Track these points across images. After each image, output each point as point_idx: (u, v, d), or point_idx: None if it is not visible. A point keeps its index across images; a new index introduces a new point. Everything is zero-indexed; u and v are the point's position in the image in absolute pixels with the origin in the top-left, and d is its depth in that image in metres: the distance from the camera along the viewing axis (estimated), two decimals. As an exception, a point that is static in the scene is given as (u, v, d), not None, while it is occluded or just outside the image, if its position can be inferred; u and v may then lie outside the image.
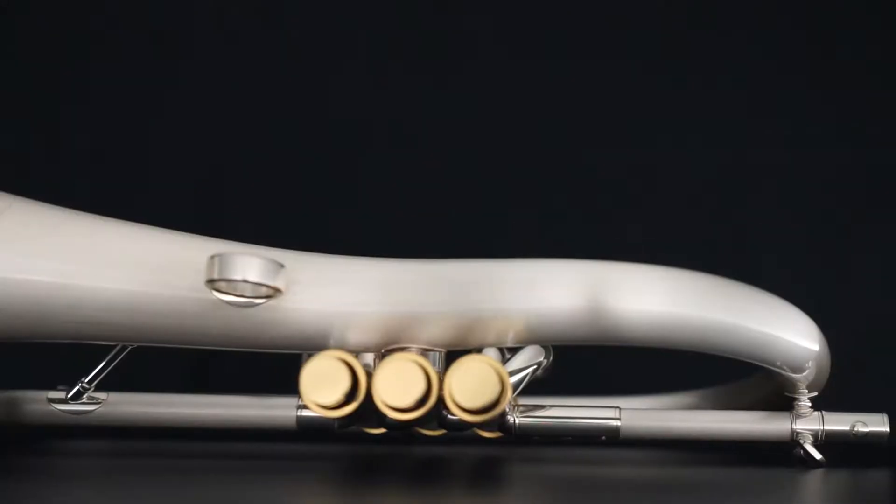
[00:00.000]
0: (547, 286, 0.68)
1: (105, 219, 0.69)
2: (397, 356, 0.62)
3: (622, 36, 1.03)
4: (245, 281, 0.64)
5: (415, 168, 1.01)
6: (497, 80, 1.02)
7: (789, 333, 0.71)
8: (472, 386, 0.62)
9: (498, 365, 0.62)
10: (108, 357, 0.74)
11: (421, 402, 0.62)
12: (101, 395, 0.75)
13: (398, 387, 0.62)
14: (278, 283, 0.64)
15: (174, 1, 1.02)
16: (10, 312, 0.66)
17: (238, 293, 0.65)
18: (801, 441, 0.74)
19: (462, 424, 0.66)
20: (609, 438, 0.75)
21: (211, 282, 0.64)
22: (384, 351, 0.68)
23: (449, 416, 0.64)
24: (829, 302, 0.92)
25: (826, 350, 0.73)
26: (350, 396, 0.63)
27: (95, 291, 0.66)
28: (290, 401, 0.75)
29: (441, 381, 0.62)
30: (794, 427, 0.74)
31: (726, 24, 1.03)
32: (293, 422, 0.75)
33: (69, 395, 0.75)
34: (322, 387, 0.62)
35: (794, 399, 0.75)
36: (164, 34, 1.01)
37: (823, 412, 0.74)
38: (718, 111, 1.02)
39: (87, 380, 0.75)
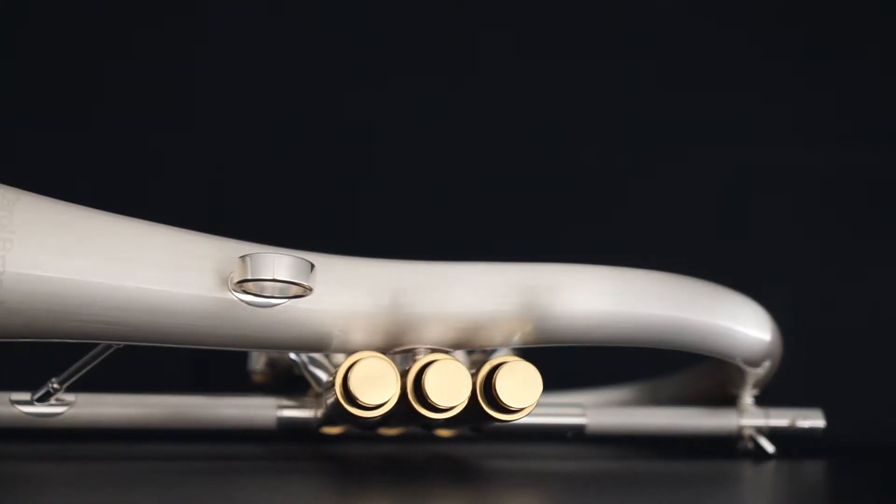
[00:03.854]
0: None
1: (119, 216, 0.66)
2: (442, 358, 0.63)
3: (621, 36, 1.04)
4: (275, 280, 0.63)
5: (415, 170, 1.00)
6: (497, 82, 1.02)
7: (752, 330, 0.74)
8: (517, 385, 0.63)
9: (535, 370, 0.64)
10: (87, 356, 0.70)
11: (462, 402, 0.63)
12: (70, 397, 0.72)
13: (445, 388, 0.63)
14: (310, 282, 0.63)
15: (185, 4, 0.98)
16: (24, 310, 0.63)
17: (267, 293, 0.64)
18: (754, 435, 0.79)
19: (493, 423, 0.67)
20: (575, 435, 0.78)
21: (242, 282, 0.63)
22: (393, 352, 0.68)
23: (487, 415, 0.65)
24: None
25: (780, 346, 0.77)
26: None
27: (110, 289, 0.64)
28: (270, 401, 0.74)
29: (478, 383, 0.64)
30: (740, 422, 0.80)
31: (726, 23, 1.05)
32: (273, 422, 0.74)
33: (36, 397, 0.72)
34: (370, 387, 0.62)
35: (738, 396, 0.80)
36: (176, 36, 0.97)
37: (766, 408, 0.80)
38: (718, 111, 1.04)
39: (57, 380, 0.71)
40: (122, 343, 0.70)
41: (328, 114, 1.01)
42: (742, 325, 0.74)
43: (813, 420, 0.80)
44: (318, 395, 0.74)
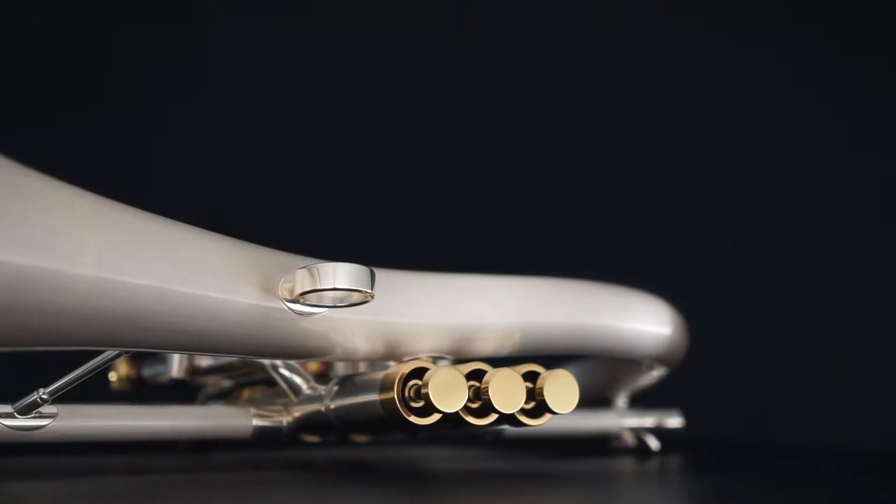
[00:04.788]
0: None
1: (170, 220, 0.63)
2: (504, 369, 0.67)
3: (621, 36, 1.04)
4: (341, 290, 0.64)
5: (415, 170, 0.96)
6: (497, 81, 0.99)
7: (663, 329, 0.81)
8: (563, 391, 0.68)
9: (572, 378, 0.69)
10: (92, 364, 0.66)
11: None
12: (52, 409, 0.67)
13: (508, 395, 0.66)
14: (373, 290, 0.65)
15: (183, 6, 0.88)
16: (100, 317, 0.59)
17: (326, 303, 0.65)
18: (640, 433, 0.88)
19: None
20: (495, 438, 0.83)
21: (306, 293, 0.63)
22: (406, 360, 0.71)
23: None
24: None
25: (684, 341, 0.83)
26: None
27: (180, 296, 0.62)
28: (246, 410, 0.74)
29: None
30: (621, 422, 0.88)
31: (726, 24, 1.05)
32: (249, 431, 0.73)
33: (18, 408, 0.66)
34: (447, 395, 0.65)
35: (613, 398, 0.88)
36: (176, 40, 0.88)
37: (636, 409, 0.89)
38: (718, 111, 1.06)
39: (46, 391, 0.66)
40: (133, 351, 0.67)
41: (328, 115, 0.97)
42: (646, 323, 0.80)
43: (674, 418, 0.90)
44: (289, 404, 0.74)
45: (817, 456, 0.87)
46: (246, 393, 0.80)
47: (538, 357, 0.72)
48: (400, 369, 0.66)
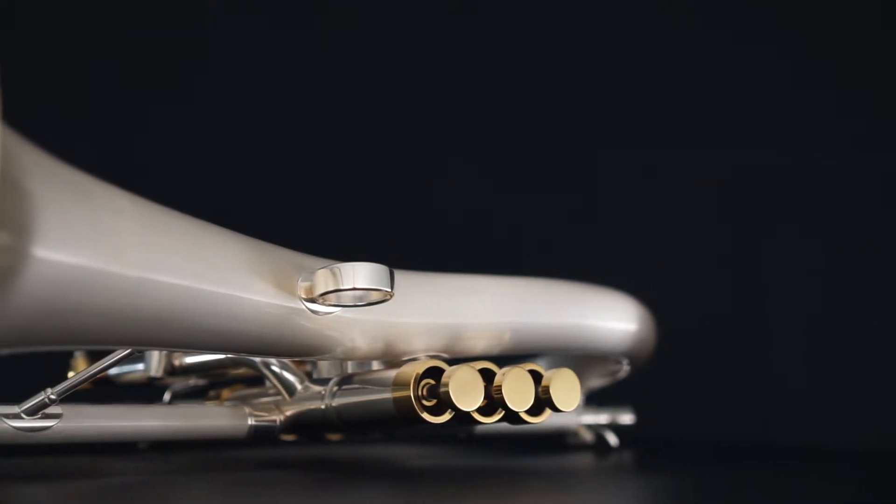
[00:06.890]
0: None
1: (193, 218, 0.63)
2: (514, 368, 0.68)
3: (626, 36, 1.03)
4: (365, 289, 0.64)
5: (415, 170, 0.94)
6: (495, 81, 0.98)
7: (629, 325, 0.82)
8: (568, 389, 0.70)
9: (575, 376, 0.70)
10: (100, 364, 0.65)
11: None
12: (57, 410, 0.66)
13: (520, 394, 0.68)
14: (393, 289, 0.65)
15: (186, 8, 0.85)
16: (133, 316, 0.59)
17: (343, 303, 0.65)
18: (600, 430, 0.90)
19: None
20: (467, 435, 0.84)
21: (326, 293, 0.64)
22: (403, 360, 0.72)
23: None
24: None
25: (651, 337, 0.83)
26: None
27: (212, 296, 0.61)
28: (240, 410, 0.73)
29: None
30: (579, 419, 0.90)
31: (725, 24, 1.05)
32: (245, 430, 0.73)
33: (24, 410, 0.65)
34: (465, 395, 0.66)
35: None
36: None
37: (591, 406, 0.91)
38: (718, 111, 1.05)
39: (54, 391, 0.65)
40: (144, 349, 0.67)
41: (328, 114, 0.96)
42: (611, 320, 0.81)
43: (626, 415, 0.92)
44: (282, 403, 0.74)
45: (817, 455, 0.90)
46: (225, 392, 0.79)
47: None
48: (415, 368, 0.67)
